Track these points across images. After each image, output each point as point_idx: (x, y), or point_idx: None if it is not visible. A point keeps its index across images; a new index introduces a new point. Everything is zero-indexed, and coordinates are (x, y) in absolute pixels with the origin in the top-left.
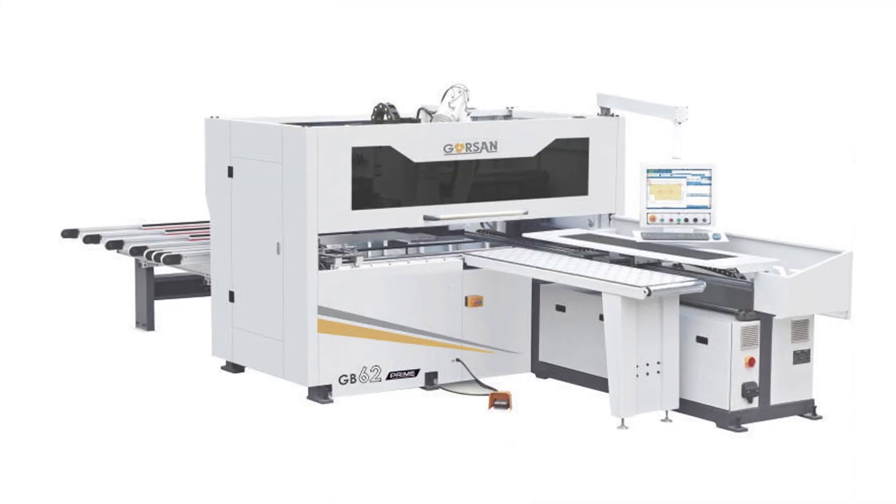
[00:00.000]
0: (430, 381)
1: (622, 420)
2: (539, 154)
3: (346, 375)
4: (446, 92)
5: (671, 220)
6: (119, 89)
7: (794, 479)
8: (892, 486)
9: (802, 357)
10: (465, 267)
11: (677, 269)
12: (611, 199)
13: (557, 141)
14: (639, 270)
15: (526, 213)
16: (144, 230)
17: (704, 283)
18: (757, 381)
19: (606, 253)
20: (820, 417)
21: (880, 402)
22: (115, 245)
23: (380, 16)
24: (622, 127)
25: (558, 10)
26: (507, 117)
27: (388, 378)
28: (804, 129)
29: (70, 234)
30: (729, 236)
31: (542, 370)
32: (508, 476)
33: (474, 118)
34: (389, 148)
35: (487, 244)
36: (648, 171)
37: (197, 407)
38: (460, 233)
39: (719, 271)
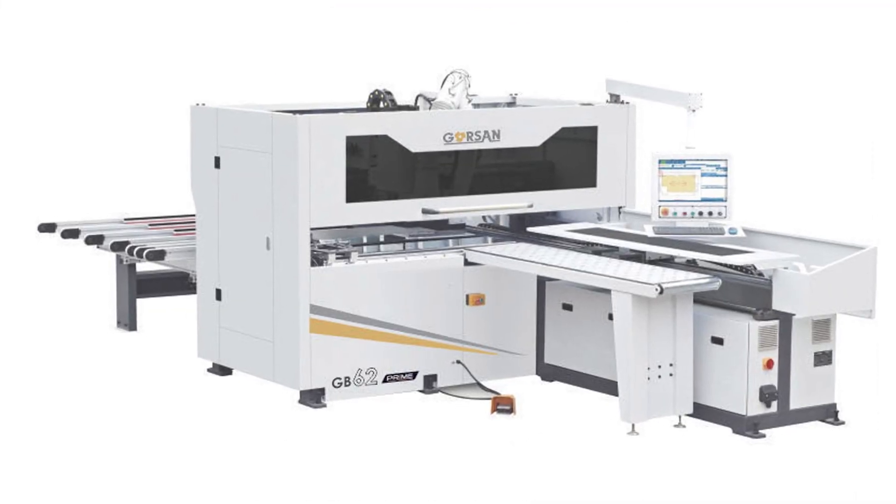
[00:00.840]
0: (429, 384)
1: (633, 426)
2: (544, 144)
3: (339, 378)
4: (446, 78)
5: (685, 213)
6: (100, 75)
7: (815, 488)
8: None
9: (824, 359)
10: (467, 263)
11: (691, 265)
12: (620, 192)
13: (564, 130)
14: (650, 267)
15: (531, 206)
16: (126, 224)
17: (720, 281)
18: (776, 384)
19: (616, 248)
20: (842, 423)
21: None
22: (96, 240)
23: None
24: (632, 115)
25: None
26: (511, 104)
27: (385, 381)
28: (826, 116)
29: (47, 228)
30: (746, 231)
31: (548, 372)
32: (512, 486)
33: (476, 105)
34: (386, 137)
35: (490, 239)
36: (660, 161)
37: (182, 412)
38: (461, 227)
39: (736, 268)
